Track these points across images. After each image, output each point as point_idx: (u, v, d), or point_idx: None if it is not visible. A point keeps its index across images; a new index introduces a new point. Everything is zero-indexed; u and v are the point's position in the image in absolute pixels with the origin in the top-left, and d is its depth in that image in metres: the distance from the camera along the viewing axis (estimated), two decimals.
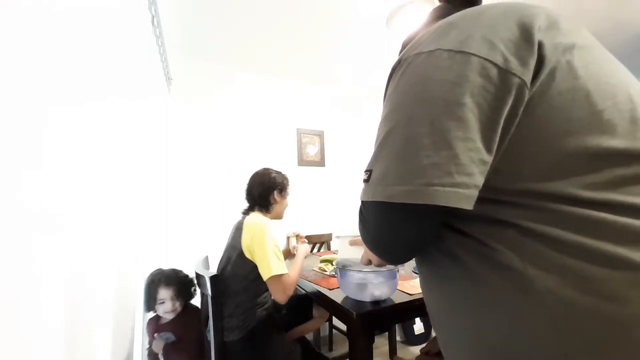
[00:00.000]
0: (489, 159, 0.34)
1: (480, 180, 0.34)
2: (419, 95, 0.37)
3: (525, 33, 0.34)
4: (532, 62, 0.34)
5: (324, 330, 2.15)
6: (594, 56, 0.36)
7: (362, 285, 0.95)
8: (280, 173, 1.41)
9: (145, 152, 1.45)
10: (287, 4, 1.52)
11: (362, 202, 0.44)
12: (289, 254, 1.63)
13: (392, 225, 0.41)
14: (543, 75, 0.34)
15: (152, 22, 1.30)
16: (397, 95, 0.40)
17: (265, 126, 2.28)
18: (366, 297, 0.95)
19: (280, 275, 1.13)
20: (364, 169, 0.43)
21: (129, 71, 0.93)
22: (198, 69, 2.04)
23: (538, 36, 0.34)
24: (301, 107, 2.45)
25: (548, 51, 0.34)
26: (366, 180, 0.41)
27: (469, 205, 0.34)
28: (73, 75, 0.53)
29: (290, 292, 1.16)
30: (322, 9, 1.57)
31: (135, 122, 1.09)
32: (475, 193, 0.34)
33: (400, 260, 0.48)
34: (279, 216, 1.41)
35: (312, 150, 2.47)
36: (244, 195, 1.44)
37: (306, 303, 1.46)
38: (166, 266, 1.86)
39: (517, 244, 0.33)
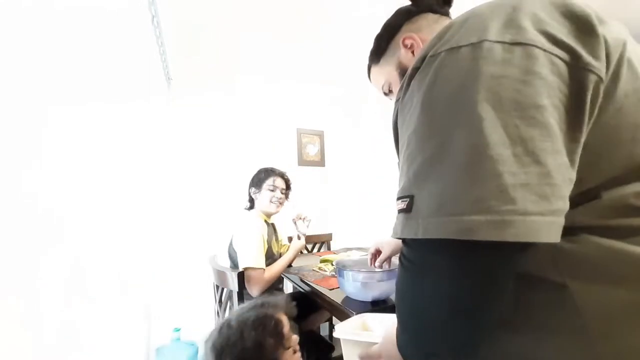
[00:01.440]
0: (574, 176, 0.28)
1: (568, 203, 0.27)
2: (475, 96, 0.28)
3: (585, 24, 0.29)
4: (604, 57, 0.28)
5: (324, 330, 2.15)
6: (638, 53, 0.32)
7: (362, 285, 0.94)
8: (263, 169, 1.49)
9: (145, 152, 1.45)
10: (287, 3, 1.52)
11: (404, 242, 0.33)
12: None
13: (465, 277, 0.29)
14: (610, 73, 0.29)
15: (152, 22, 1.30)
16: (438, 98, 0.31)
17: (265, 126, 2.28)
18: (366, 297, 0.95)
19: (252, 269, 1.21)
20: (397, 196, 0.33)
21: (129, 71, 0.92)
22: (198, 69, 2.04)
23: (600, 29, 0.29)
24: (301, 107, 2.45)
25: (612, 47, 0.29)
26: (405, 210, 0.31)
27: (559, 237, 0.27)
28: (74, 76, 0.53)
29: (261, 288, 1.21)
30: (322, 9, 1.57)
31: (136, 122, 1.09)
32: (564, 220, 0.27)
33: (463, 347, 0.32)
34: (266, 209, 1.44)
35: (312, 150, 2.47)
36: (245, 195, 1.50)
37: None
38: (163, 267, 1.86)
39: (555, 256, 0.30)
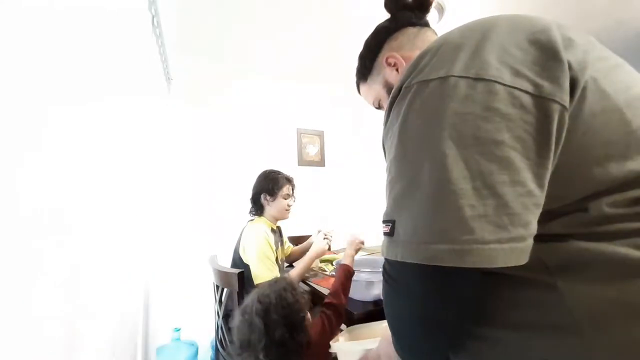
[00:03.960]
0: (542, 200, 0.30)
1: (536, 226, 0.30)
2: (440, 133, 0.30)
3: (549, 51, 0.30)
4: (567, 83, 0.30)
5: None
6: (612, 69, 0.33)
7: (362, 285, 0.95)
8: (274, 174, 1.39)
9: (145, 152, 1.45)
10: (287, 3, 1.52)
11: (387, 260, 0.37)
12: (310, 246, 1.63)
13: (433, 296, 0.34)
14: (576, 97, 0.30)
15: (152, 22, 1.30)
16: (410, 132, 0.34)
17: (265, 126, 2.28)
18: (366, 296, 0.95)
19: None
20: (382, 219, 0.36)
21: (129, 71, 0.92)
22: (198, 69, 2.04)
23: (564, 54, 0.30)
24: (301, 107, 2.45)
25: (577, 71, 0.30)
26: (389, 234, 0.35)
27: (525, 260, 0.29)
28: (74, 76, 0.53)
29: None
30: (322, 8, 1.57)
31: (136, 122, 1.09)
32: (531, 243, 0.29)
33: (438, 355, 0.37)
34: (278, 217, 1.39)
35: (312, 150, 2.47)
36: (245, 195, 1.47)
37: None
38: (163, 267, 1.86)
39: (544, 260, 0.31)
